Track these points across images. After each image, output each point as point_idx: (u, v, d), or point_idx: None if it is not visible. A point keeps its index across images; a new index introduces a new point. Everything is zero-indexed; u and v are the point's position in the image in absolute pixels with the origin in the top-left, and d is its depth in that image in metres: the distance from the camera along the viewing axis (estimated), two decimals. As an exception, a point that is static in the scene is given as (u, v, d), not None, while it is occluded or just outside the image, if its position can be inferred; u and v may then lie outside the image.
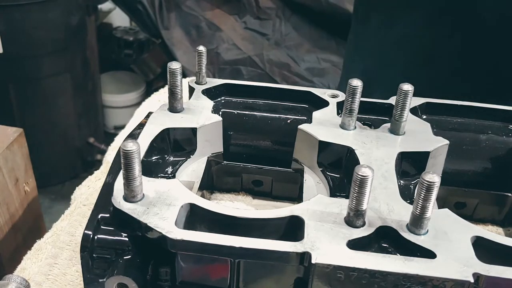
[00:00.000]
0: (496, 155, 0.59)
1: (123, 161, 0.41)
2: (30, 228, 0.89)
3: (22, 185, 0.87)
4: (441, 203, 0.58)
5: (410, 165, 0.54)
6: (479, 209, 0.61)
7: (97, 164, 0.80)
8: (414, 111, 0.60)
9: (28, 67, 1.79)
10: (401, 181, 0.53)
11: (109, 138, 2.27)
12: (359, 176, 0.40)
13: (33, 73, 1.81)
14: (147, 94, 2.25)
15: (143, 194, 0.44)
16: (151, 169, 0.52)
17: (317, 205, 0.45)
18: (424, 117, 0.61)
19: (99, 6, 2.14)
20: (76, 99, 1.96)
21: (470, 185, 0.60)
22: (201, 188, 0.57)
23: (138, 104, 2.29)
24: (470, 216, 0.62)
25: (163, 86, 0.98)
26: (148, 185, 0.45)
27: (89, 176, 0.75)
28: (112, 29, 2.48)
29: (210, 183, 0.62)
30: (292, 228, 0.43)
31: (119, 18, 2.48)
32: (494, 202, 0.61)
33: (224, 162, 0.62)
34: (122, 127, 0.87)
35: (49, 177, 1.96)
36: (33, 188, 0.91)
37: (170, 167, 0.56)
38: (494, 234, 0.43)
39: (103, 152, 2.15)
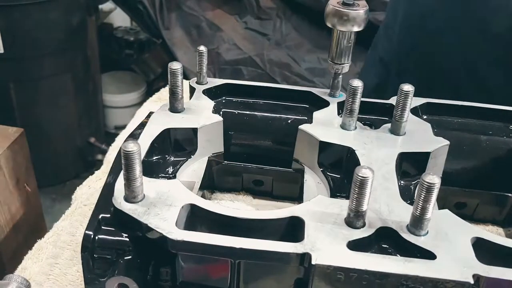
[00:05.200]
0: (496, 155, 0.59)
1: (123, 161, 0.41)
2: (31, 228, 0.89)
3: (23, 185, 0.87)
4: (442, 203, 0.58)
5: (411, 165, 0.54)
6: (480, 209, 0.61)
7: (98, 164, 0.80)
8: (414, 111, 0.60)
9: (29, 67, 1.78)
10: (402, 182, 0.53)
11: (110, 138, 2.26)
12: (359, 177, 0.40)
13: (34, 73, 1.81)
14: (147, 94, 2.25)
15: (144, 195, 0.44)
16: (152, 169, 0.52)
17: (318, 205, 0.45)
18: (425, 117, 0.61)
19: (100, 6, 2.14)
20: (77, 99, 1.96)
21: (471, 186, 0.60)
22: (202, 188, 0.57)
23: (138, 104, 2.29)
24: (471, 216, 0.62)
25: (164, 86, 0.98)
26: (149, 186, 0.45)
27: (90, 176, 0.75)
28: (113, 29, 2.48)
29: (211, 183, 0.62)
30: (293, 228, 0.43)
31: (120, 18, 2.48)
32: (495, 203, 0.61)
33: (225, 162, 0.61)
34: (123, 127, 0.87)
35: (50, 177, 1.95)
36: (34, 188, 0.91)
37: (171, 167, 0.56)
38: (494, 235, 0.43)
39: (104, 152, 2.14)
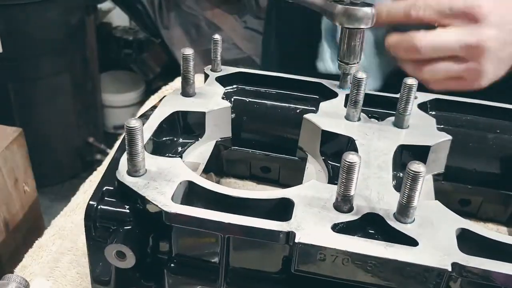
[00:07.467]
0: (503, 154, 0.62)
1: (126, 137, 0.45)
2: (30, 228, 0.90)
3: (22, 185, 0.89)
4: (446, 199, 0.59)
5: (411, 158, 0.56)
6: (484, 207, 0.63)
7: (97, 164, 0.82)
8: (423, 106, 0.63)
9: (27, 66, 1.87)
10: (401, 174, 0.55)
11: (109, 137, 2.30)
12: (347, 162, 0.42)
13: (33, 72, 1.89)
14: (146, 93, 2.29)
15: (146, 170, 0.48)
16: (160, 149, 0.56)
17: (309, 189, 0.48)
18: (433, 113, 0.63)
19: (99, 6, 2.20)
20: (75, 99, 2.02)
21: (476, 183, 0.62)
22: (207, 170, 0.60)
23: (137, 103, 2.36)
24: (475, 214, 0.63)
25: (164, 85, 1.00)
26: (152, 162, 0.49)
27: (94, 172, 0.77)
28: (112, 28, 2.57)
29: (218, 168, 0.66)
30: (282, 209, 0.47)
31: (119, 18, 2.56)
32: (500, 201, 0.63)
33: (233, 147, 0.64)
34: (122, 126, 0.88)
35: (48, 177, 2.03)
36: (32, 188, 0.92)
37: (179, 147, 0.61)
38: (480, 227, 0.45)
39: (103, 152, 2.21)
